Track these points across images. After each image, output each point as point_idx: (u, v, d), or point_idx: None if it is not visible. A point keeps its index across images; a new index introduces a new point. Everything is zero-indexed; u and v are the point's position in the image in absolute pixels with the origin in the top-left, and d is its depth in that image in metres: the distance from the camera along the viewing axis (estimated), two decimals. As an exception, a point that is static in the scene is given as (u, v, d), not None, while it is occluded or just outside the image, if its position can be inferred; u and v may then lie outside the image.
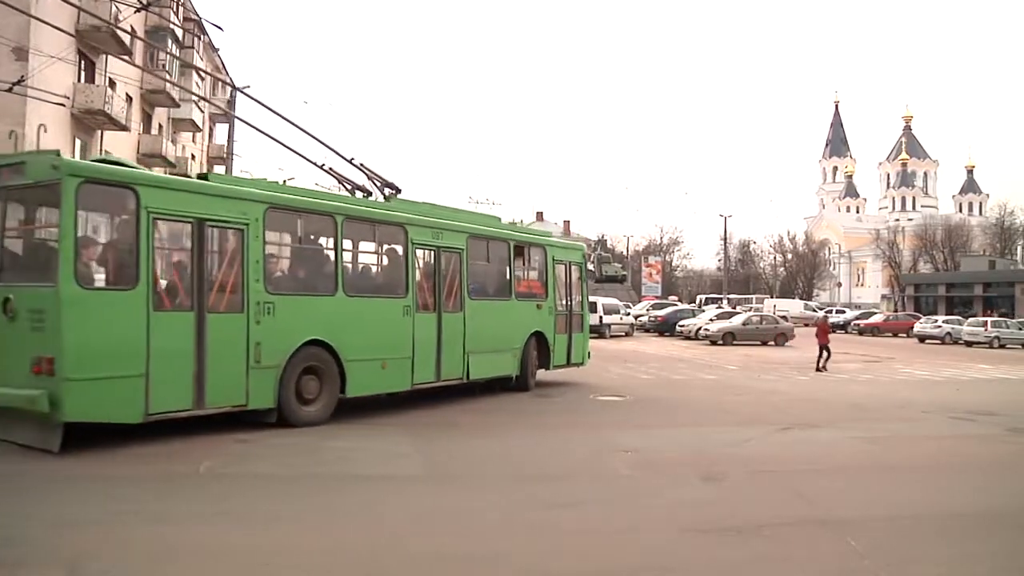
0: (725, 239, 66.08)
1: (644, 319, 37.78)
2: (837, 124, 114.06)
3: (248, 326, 8.27)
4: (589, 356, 15.18)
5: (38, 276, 7.41)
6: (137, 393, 7.33)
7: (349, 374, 9.35)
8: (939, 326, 38.39)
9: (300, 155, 10.56)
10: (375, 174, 11.20)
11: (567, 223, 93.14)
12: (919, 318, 43.34)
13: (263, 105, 10.56)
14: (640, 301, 49.11)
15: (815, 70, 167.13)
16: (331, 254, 9.57)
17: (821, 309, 57.83)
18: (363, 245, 10.45)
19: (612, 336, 32.07)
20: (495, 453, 8.24)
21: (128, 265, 7.44)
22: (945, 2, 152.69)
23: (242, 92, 10.69)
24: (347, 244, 9.86)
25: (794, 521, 5.79)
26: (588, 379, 15.74)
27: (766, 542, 5.29)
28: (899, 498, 6.70)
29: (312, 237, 9.76)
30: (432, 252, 10.96)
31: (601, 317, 31.77)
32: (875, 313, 50.80)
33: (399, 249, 10.53)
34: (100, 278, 7.43)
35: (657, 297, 55.21)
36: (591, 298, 31.71)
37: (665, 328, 35.64)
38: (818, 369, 19.36)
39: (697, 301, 58.23)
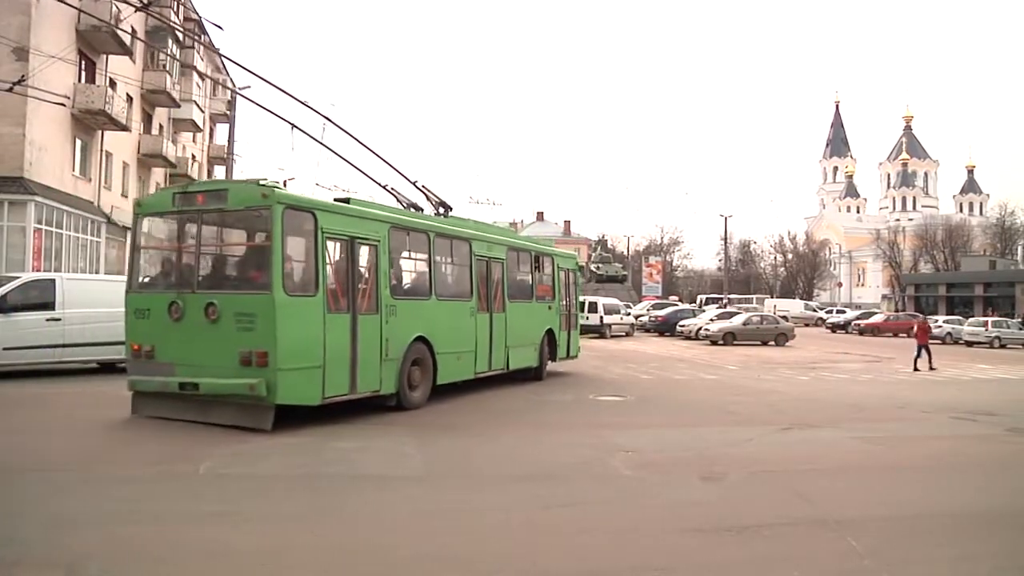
0: (725, 239, 66.04)
1: (644, 319, 37.79)
2: (837, 124, 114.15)
3: (381, 325, 9.80)
4: (579, 350, 17.44)
5: (244, 285, 8.86)
6: (318, 380, 8.75)
7: (439, 365, 11.07)
8: (940, 326, 38.35)
9: (367, 176, 12.01)
10: (432, 194, 12.82)
11: (567, 223, 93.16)
12: (919, 318, 43.30)
13: (343, 130, 11.76)
14: (640, 301, 49.15)
15: (815, 70, 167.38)
16: (427, 264, 11.26)
17: (822, 309, 58.05)
18: (444, 256, 11.93)
19: (613, 336, 32.09)
20: (496, 453, 8.24)
21: (311, 275, 8.85)
22: (945, 2, 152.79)
23: (328, 120, 11.50)
24: (436, 256, 11.49)
25: (794, 521, 5.78)
26: (588, 379, 15.78)
27: (766, 542, 5.29)
28: (900, 498, 6.70)
29: (415, 250, 11.23)
30: (486, 262, 12.83)
31: (602, 317, 31.80)
32: (876, 313, 50.74)
33: (466, 259, 12.28)
34: (296, 286, 8.73)
35: (657, 297, 55.26)
36: (591, 298, 32.39)
37: (665, 328, 35.65)
38: (915, 368, 19.84)
39: (697, 301, 58.24)
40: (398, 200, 12.14)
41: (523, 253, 14.59)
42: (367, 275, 9.73)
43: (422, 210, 12.48)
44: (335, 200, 10.09)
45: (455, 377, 11.70)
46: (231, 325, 8.34)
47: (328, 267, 9.02)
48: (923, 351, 20.18)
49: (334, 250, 9.23)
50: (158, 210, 9.61)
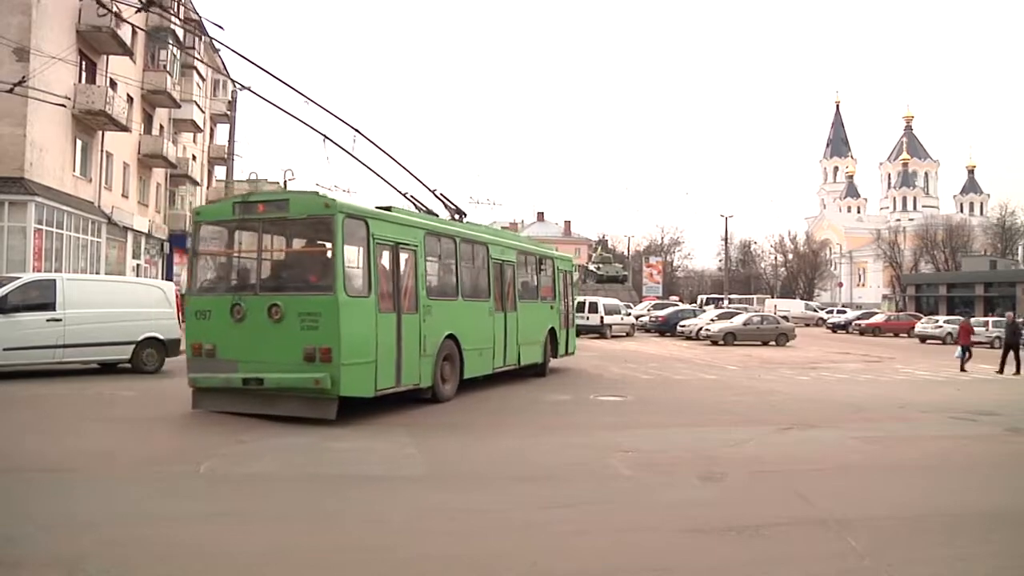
0: (726, 239, 66.11)
1: (645, 319, 37.75)
2: (838, 124, 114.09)
3: (420, 324, 10.53)
4: (576, 347, 18.64)
5: (307, 287, 9.39)
6: (372, 374, 9.43)
7: (466, 361, 11.90)
8: (940, 326, 38.29)
9: (391, 184, 12.59)
10: (449, 201, 13.67)
11: (568, 223, 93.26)
12: (920, 318, 43.27)
13: (373, 143, 12.18)
14: (641, 301, 49.12)
15: (816, 70, 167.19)
16: (454, 267, 12.03)
17: (822, 309, 58.05)
18: (467, 260, 12.65)
19: (613, 336, 32.07)
20: (496, 453, 8.25)
21: (365, 278, 9.51)
22: (945, 2, 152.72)
23: (359, 132, 12.18)
24: (462, 260, 12.27)
25: (794, 521, 5.78)
26: (588, 379, 15.81)
27: (766, 542, 5.29)
28: (899, 498, 6.70)
29: (444, 255, 11.95)
30: (500, 265, 13.67)
31: (602, 317, 31.78)
32: (876, 313, 50.71)
33: (484, 263, 13.15)
34: (354, 288, 9.30)
35: (658, 297, 55.22)
36: (592, 298, 32.50)
37: (666, 328, 35.63)
38: (962, 369, 19.92)
39: (698, 301, 58.23)
40: (416, 207, 12.62)
41: (529, 256, 15.59)
42: (408, 277, 10.48)
43: (437, 216, 13.04)
44: (377, 207, 10.64)
45: (478, 372, 12.49)
46: (295, 324, 8.93)
47: (378, 270, 9.69)
48: (967, 352, 20.28)
49: (382, 254, 9.98)
50: (218, 218, 10.22)
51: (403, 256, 10.41)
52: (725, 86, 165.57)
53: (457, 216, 13.70)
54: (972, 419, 11.33)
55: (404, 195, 12.60)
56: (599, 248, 66.71)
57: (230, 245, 10.24)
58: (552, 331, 16.26)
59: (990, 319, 37.66)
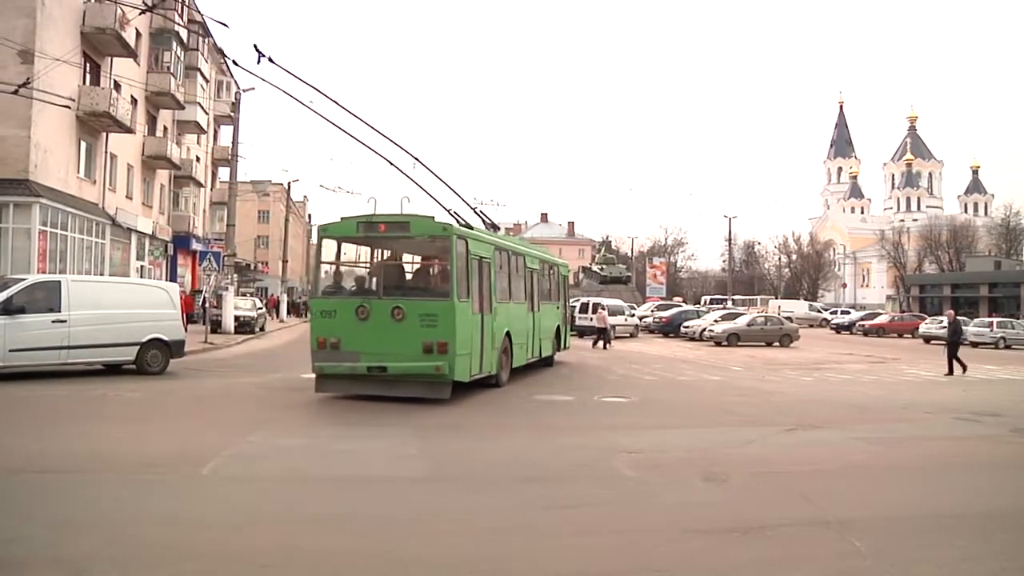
0: (729, 240, 66.05)
1: (648, 320, 37.73)
2: (842, 125, 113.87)
3: (492, 323, 12.59)
4: (571, 344, 21.04)
5: (426, 293, 11.52)
6: (469, 363, 11.52)
7: (514, 353, 14.12)
8: (944, 327, 38.12)
9: (435, 199, 13.63)
10: (486, 216, 15.35)
11: (571, 224, 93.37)
12: (924, 319, 43.12)
13: (431, 171, 13.49)
14: (645, 302, 49.07)
15: (820, 71, 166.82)
16: (508, 275, 14.05)
17: (826, 310, 57.91)
18: (515, 268, 14.76)
19: (617, 337, 32.02)
20: (499, 454, 8.24)
21: (465, 286, 11.38)
22: (949, 2, 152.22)
23: (417, 160, 13.29)
24: (512, 268, 14.42)
25: (797, 522, 5.78)
26: (592, 380, 15.80)
27: (769, 543, 5.28)
28: (903, 499, 6.69)
29: (503, 265, 13.81)
30: (531, 271, 16.01)
31: (605, 318, 31.77)
32: (880, 314, 50.55)
33: (522, 270, 15.30)
34: (461, 294, 11.15)
35: (661, 298, 55.18)
36: (595, 299, 32.65)
37: (669, 329, 35.60)
38: None
39: (702, 302, 58.15)
40: (458, 222, 13.12)
41: (544, 264, 17.86)
42: (486, 284, 12.45)
43: (473, 227, 13.61)
44: (461, 226, 12.26)
45: (520, 363, 14.67)
46: (415, 323, 10.76)
47: (472, 279, 11.68)
48: None
49: (474, 266, 11.87)
50: (342, 234, 12.05)
51: (483, 267, 12.38)
52: (729, 87, 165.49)
53: (492, 229, 15.28)
54: (976, 420, 11.31)
55: (448, 211, 13.11)
56: (603, 249, 66.55)
57: (353, 257, 12.19)
58: (558, 328, 18.45)
59: (994, 320, 37.56)
